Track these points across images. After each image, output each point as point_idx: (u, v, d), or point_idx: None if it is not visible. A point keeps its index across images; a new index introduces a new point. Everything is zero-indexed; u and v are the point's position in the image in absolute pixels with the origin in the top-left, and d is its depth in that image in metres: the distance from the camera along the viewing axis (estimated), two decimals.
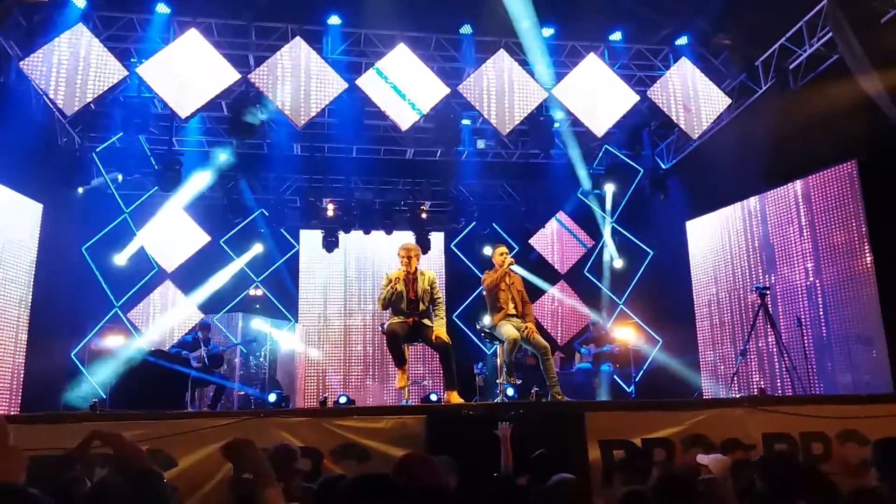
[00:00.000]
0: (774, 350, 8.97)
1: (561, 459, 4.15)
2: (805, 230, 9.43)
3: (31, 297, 9.33)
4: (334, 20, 9.48)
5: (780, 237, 9.81)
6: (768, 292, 8.62)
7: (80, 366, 10.45)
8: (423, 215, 12.68)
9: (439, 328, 6.39)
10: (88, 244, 10.95)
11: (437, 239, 13.01)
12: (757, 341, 9.36)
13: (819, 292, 9.12)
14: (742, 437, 5.27)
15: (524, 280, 7.27)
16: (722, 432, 5.28)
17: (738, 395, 8.41)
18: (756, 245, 10.21)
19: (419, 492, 2.73)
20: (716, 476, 3.82)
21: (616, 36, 10.03)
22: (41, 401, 8.82)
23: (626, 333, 10.82)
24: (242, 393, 10.24)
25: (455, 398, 6.16)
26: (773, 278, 9.77)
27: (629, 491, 3.10)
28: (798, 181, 9.57)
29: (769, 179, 9.85)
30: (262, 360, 10.76)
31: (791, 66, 9.42)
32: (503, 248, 7.01)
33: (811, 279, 9.26)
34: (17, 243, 9.19)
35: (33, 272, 9.39)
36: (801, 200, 9.53)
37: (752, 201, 10.30)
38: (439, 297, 6.55)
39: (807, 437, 5.58)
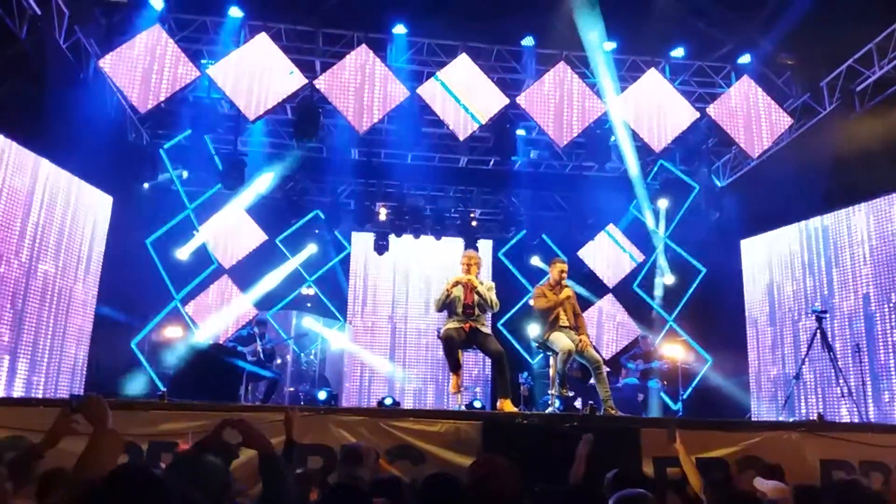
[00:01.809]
0: (829, 375, 8.80)
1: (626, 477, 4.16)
2: (866, 255, 9.24)
3: (97, 286, 9.72)
4: (399, 29, 9.68)
5: (840, 260, 9.62)
6: (826, 315, 8.46)
7: (139, 356, 10.81)
8: (473, 223, 12.79)
9: None
10: (152, 237, 11.32)
11: (485, 247, 13.09)
12: (811, 365, 9.20)
13: (878, 319, 8.93)
14: (798, 461, 5.22)
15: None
16: (777, 456, 5.19)
17: (789, 420, 8.28)
18: (814, 267, 10.03)
19: (493, 496, 2.80)
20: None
21: (678, 52, 10.02)
22: (102, 388, 9.16)
23: (675, 350, 10.73)
24: (293, 389, 10.47)
25: (508, 406, 6.22)
26: (830, 302, 9.59)
27: None
28: (861, 205, 9.39)
29: (830, 202, 9.68)
30: (312, 357, 10.99)
31: (858, 89, 9.26)
32: (564, 266, 6.98)
33: (871, 305, 9.07)
34: (88, 233, 9.57)
35: (101, 262, 9.78)
36: (863, 224, 9.35)
37: (812, 223, 10.12)
38: (496, 304, 6.60)
39: (866, 465, 5.49)
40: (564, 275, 6.93)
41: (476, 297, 6.46)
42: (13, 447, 4.47)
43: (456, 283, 6.47)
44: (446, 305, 6.52)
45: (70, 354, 9.14)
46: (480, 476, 2.88)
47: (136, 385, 9.84)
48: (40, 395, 8.25)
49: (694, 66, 10.32)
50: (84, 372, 9.36)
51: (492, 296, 6.49)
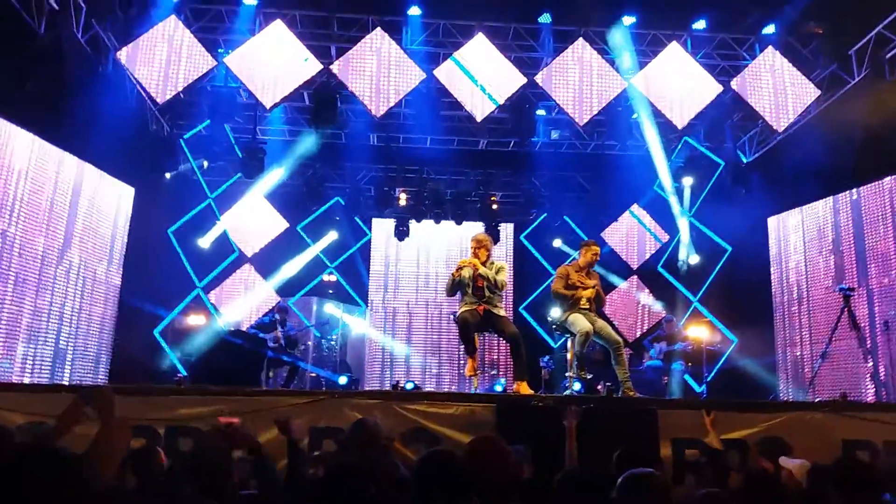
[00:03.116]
0: (856, 354, 8.58)
1: (635, 456, 4.09)
2: None
3: (121, 274, 9.88)
4: (414, 11, 9.58)
5: (871, 236, 9.33)
6: (853, 293, 8.22)
7: (162, 343, 10.99)
8: (494, 206, 12.69)
9: None
10: (174, 227, 11.46)
11: (506, 230, 13.01)
12: (839, 344, 8.96)
13: None
14: (821, 442, 5.10)
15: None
16: (800, 437, 5.07)
17: (816, 400, 8.09)
18: (844, 243, 9.74)
19: (488, 476, 2.76)
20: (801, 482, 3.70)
21: (700, 24, 9.76)
22: (126, 374, 9.36)
23: (700, 331, 10.52)
24: (314, 374, 10.55)
25: (525, 389, 6.16)
26: (861, 279, 9.32)
27: (708, 493, 3.04)
28: (891, 177, 9.08)
29: (860, 175, 9.37)
30: (333, 343, 11.06)
31: (888, 56, 8.92)
32: (598, 250, 6.78)
33: None
34: (111, 223, 9.73)
35: (124, 251, 9.94)
36: (895, 197, 9.04)
37: (842, 197, 9.82)
38: (505, 286, 6.49)
39: (891, 445, 5.34)
40: (597, 258, 6.76)
41: (484, 280, 6.36)
42: (33, 432, 4.57)
43: (460, 268, 6.39)
44: (456, 289, 6.47)
45: (94, 342, 9.33)
46: (475, 457, 2.83)
47: (158, 372, 10.01)
48: (65, 383, 8.43)
49: (717, 39, 10.04)
50: (108, 359, 9.55)
51: (499, 277, 6.37)
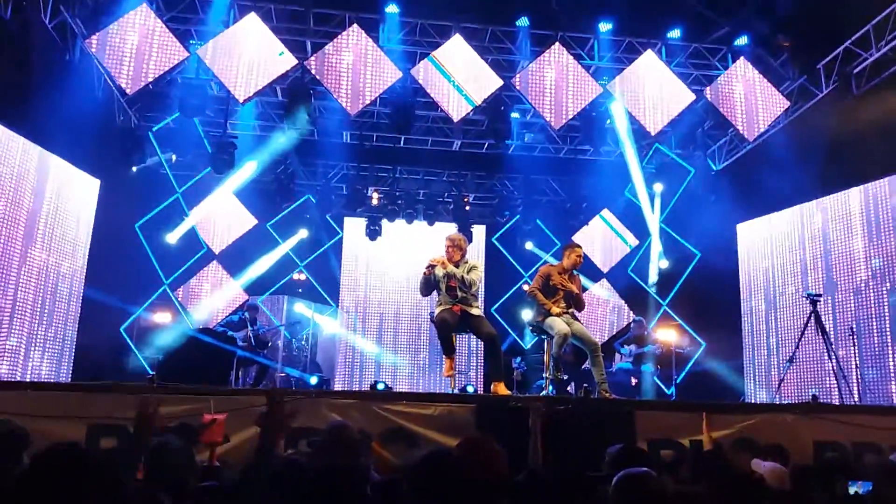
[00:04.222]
0: (823, 359, 8.79)
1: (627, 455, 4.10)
2: (863, 238, 9.20)
3: (85, 270, 9.59)
4: (392, 9, 9.52)
5: (837, 244, 9.57)
6: (820, 299, 8.43)
7: (128, 340, 10.70)
8: (467, 207, 12.69)
9: None
10: (141, 222, 11.19)
11: (478, 232, 13.01)
12: (806, 349, 9.17)
13: (874, 303, 8.90)
14: (792, 443, 5.19)
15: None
16: (772, 437, 5.17)
17: (784, 402, 8.26)
18: (810, 251, 9.98)
19: (480, 476, 2.72)
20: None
21: (674, 33, 9.91)
22: (90, 372, 9.07)
23: (669, 335, 10.68)
24: (284, 374, 10.39)
25: (502, 389, 6.15)
26: (826, 285, 9.56)
27: (680, 492, 3.05)
28: (857, 188, 9.33)
29: (826, 185, 9.61)
30: (304, 343, 10.92)
31: (855, 71, 9.17)
32: (580, 251, 6.80)
33: (867, 289, 9.04)
34: (75, 217, 9.43)
35: (89, 246, 9.65)
36: (860, 208, 9.29)
37: (809, 206, 10.06)
38: (476, 285, 6.44)
39: (860, 447, 5.47)
40: (580, 260, 6.77)
41: (456, 280, 6.31)
42: None
43: (432, 266, 6.33)
44: (430, 288, 6.42)
45: (59, 338, 9.04)
46: (465, 456, 2.79)
47: (125, 370, 9.76)
48: (27, 379, 8.14)
49: (690, 48, 10.19)
50: (71, 356, 9.26)
51: (471, 276, 6.32)
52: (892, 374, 8.56)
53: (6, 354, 8.08)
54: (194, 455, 3.72)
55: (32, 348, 8.52)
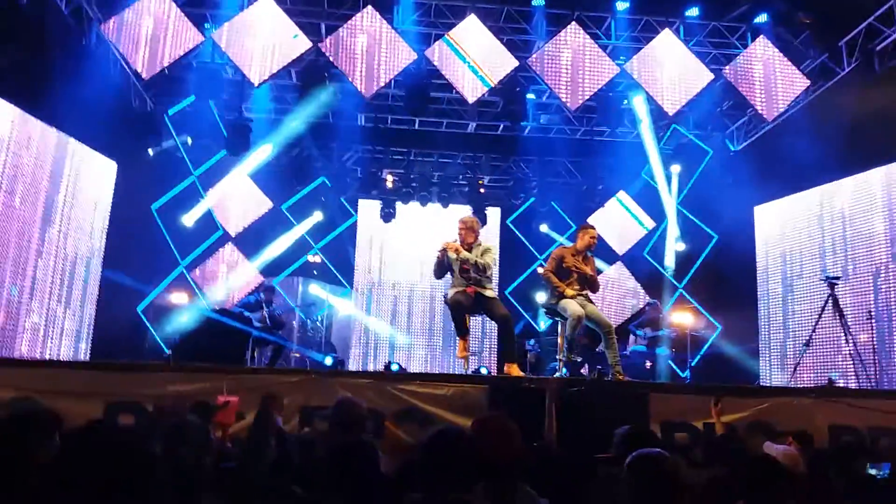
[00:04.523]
0: (840, 342, 8.70)
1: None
2: (884, 220, 9.05)
3: (103, 251, 9.71)
4: None
5: (857, 226, 9.44)
6: (837, 282, 8.33)
7: (145, 320, 10.84)
8: (481, 190, 12.64)
9: None
10: (158, 204, 11.27)
11: (493, 214, 12.95)
12: (823, 333, 9.08)
13: (893, 286, 8.78)
14: (808, 427, 5.17)
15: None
16: (787, 421, 5.17)
17: (799, 386, 8.21)
18: (829, 233, 9.85)
19: (496, 455, 2.73)
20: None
21: (693, 12, 9.74)
22: (109, 351, 9.23)
23: (684, 318, 10.64)
24: (298, 354, 10.48)
25: (515, 371, 6.16)
26: (846, 268, 9.44)
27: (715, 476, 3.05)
28: (878, 169, 9.17)
29: (847, 166, 9.45)
30: (318, 323, 10.99)
31: (878, 48, 8.98)
32: (594, 232, 6.73)
33: (886, 271, 8.92)
34: (93, 199, 9.54)
35: (106, 227, 9.76)
36: (882, 189, 9.14)
37: (829, 188, 9.91)
38: (490, 268, 6.42)
39: (875, 431, 5.43)
40: (594, 242, 6.71)
41: (468, 264, 6.30)
42: (23, 408, 4.47)
43: (445, 249, 6.33)
44: (444, 270, 6.43)
45: (77, 318, 9.18)
46: (482, 436, 2.80)
47: (143, 349, 9.89)
48: (47, 358, 8.30)
49: (709, 27, 10.03)
50: (90, 335, 9.40)
51: (484, 258, 6.31)
52: None
53: (27, 334, 8.22)
54: (210, 434, 3.78)
55: (52, 328, 8.67)
